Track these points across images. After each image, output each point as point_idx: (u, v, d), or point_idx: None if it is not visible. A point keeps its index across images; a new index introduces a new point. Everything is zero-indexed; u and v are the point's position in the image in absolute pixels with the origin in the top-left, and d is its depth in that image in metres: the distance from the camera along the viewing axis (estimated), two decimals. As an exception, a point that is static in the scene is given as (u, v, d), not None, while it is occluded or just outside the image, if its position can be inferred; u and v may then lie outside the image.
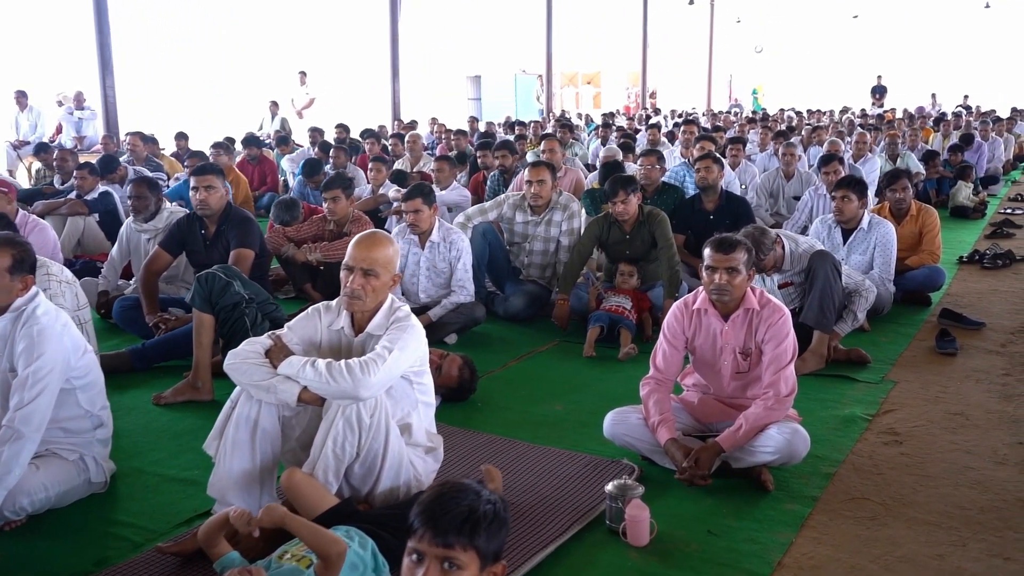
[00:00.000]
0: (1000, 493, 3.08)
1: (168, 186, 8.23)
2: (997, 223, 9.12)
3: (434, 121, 16.62)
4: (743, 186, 9.18)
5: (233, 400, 2.76)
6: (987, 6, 27.48)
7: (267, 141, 13.07)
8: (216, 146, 8.57)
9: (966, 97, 25.54)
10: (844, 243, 5.47)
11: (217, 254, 4.56)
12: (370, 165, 7.68)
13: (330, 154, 9.31)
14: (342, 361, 2.64)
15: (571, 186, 7.13)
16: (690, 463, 3.06)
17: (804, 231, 6.41)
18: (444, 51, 28.87)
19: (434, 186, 7.31)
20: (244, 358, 2.73)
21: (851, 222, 5.42)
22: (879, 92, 26.57)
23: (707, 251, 3.26)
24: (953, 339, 4.79)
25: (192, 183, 4.56)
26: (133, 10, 16.88)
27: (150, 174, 8.12)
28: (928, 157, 10.81)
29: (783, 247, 4.52)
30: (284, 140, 11.70)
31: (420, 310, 5.05)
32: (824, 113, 21.74)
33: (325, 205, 5.39)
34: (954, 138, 13.10)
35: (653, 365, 3.40)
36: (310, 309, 2.98)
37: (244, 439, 2.71)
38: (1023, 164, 15.49)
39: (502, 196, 5.65)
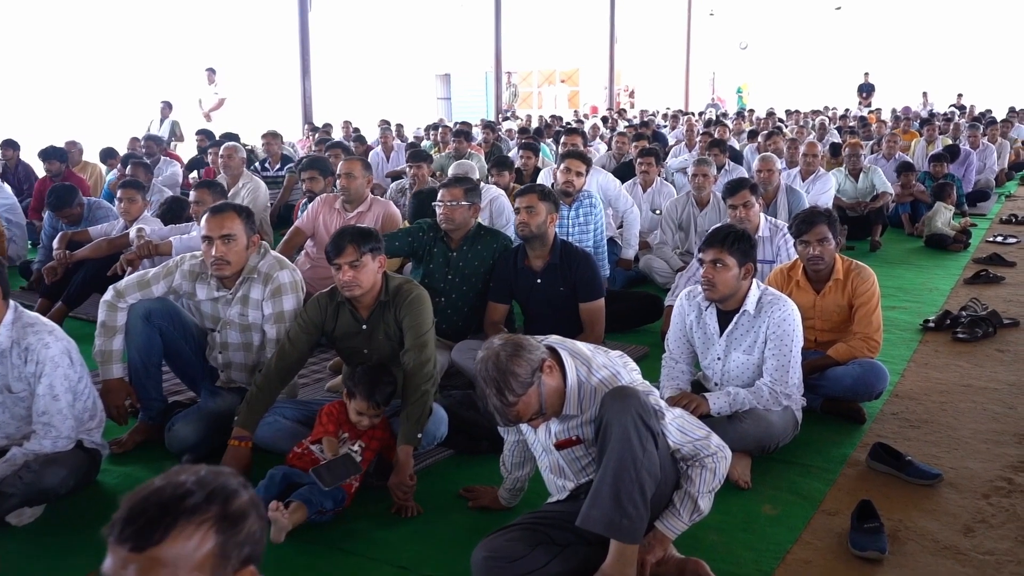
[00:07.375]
0: None
1: None
2: (983, 259, 7.06)
3: (347, 125, 14.56)
4: (656, 211, 7.13)
5: None
6: (983, -4, 25.43)
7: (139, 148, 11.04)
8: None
9: (960, 96, 23.47)
10: (721, 333, 3.42)
11: None
12: (118, 192, 5.57)
13: (127, 171, 7.24)
14: None
15: (377, 225, 5.05)
16: None
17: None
18: (412, 48, 27.22)
19: (192, 224, 5.32)
20: None
21: (729, 301, 3.36)
22: (866, 90, 24.56)
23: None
24: (879, 528, 2.71)
25: None
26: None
27: None
28: (901, 171, 8.74)
29: (564, 374, 2.45)
30: (110, 153, 9.57)
31: (-4, 457, 3.01)
32: (803, 114, 19.65)
33: None
34: (940, 145, 10.99)
35: None
36: None
37: None
38: (1020, 174, 13.41)
39: (174, 260, 3.56)
